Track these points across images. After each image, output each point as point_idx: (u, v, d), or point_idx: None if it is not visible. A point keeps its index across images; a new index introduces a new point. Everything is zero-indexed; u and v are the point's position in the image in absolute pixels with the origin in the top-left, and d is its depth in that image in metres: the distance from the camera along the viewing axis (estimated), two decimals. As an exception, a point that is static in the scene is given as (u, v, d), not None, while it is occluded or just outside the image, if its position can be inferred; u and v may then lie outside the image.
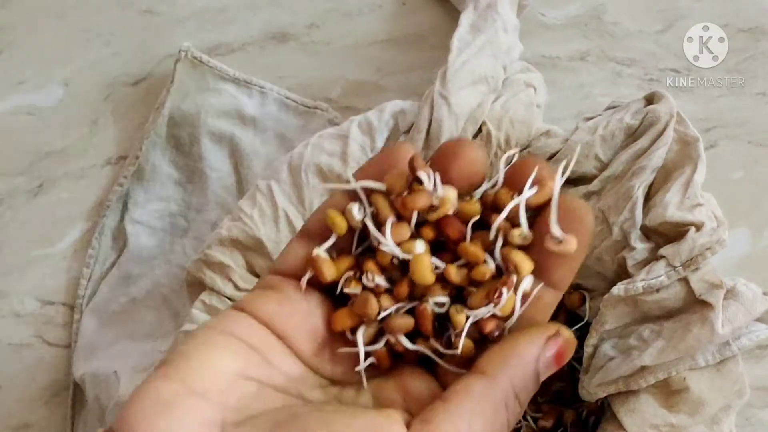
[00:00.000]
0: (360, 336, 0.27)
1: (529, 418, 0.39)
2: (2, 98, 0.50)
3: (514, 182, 0.27)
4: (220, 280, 0.39)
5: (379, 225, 0.27)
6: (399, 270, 0.27)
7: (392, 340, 0.27)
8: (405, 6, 0.50)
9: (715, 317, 0.31)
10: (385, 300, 0.27)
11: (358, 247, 0.28)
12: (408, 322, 0.27)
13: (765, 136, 0.47)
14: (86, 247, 0.48)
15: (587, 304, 0.36)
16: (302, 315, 0.27)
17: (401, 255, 0.26)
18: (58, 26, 0.51)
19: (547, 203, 0.26)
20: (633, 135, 0.36)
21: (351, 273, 0.27)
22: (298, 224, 0.39)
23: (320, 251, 0.27)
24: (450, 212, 0.27)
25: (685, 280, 0.32)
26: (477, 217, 0.27)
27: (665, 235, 0.34)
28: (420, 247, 0.27)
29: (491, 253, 0.27)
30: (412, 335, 0.27)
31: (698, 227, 0.33)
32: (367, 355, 0.27)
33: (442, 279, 0.27)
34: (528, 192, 0.26)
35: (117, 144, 0.50)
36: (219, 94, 0.47)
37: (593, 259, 0.35)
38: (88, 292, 0.47)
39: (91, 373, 0.43)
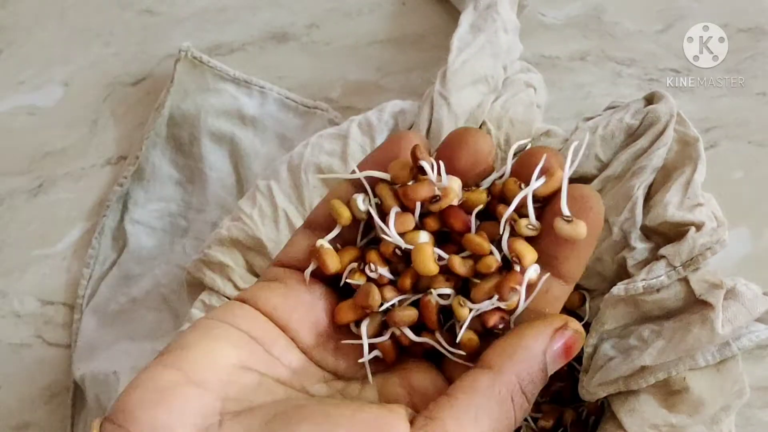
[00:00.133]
0: (364, 328, 0.26)
1: (529, 418, 0.39)
2: (2, 98, 0.50)
3: (522, 172, 0.26)
4: (220, 280, 0.39)
5: (384, 215, 0.27)
6: (403, 262, 0.27)
7: (397, 332, 0.27)
8: (405, 6, 0.50)
9: (715, 317, 0.31)
10: (389, 292, 0.26)
11: (363, 238, 0.28)
12: (412, 314, 0.26)
13: (765, 136, 0.47)
14: (86, 247, 0.48)
15: (587, 304, 0.36)
16: (305, 307, 0.27)
17: (404, 245, 0.26)
18: (58, 26, 0.51)
19: (555, 193, 0.26)
20: (633, 135, 0.36)
21: (355, 264, 0.27)
22: (298, 224, 0.39)
23: (324, 242, 0.27)
24: (454, 203, 0.26)
25: (685, 280, 0.32)
26: (482, 207, 0.26)
27: (665, 235, 0.34)
28: (424, 237, 0.26)
29: (498, 244, 0.26)
30: (417, 328, 0.27)
31: (698, 227, 0.33)
32: (372, 347, 0.27)
33: (446, 271, 0.26)
34: (536, 182, 0.26)
35: (117, 144, 0.50)
36: (219, 94, 0.47)
37: (593, 259, 0.35)
38: (88, 292, 0.47)
39: (91, 373, 0.43)
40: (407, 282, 0.26)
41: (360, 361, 0.26)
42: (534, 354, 0.25)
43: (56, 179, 0.49)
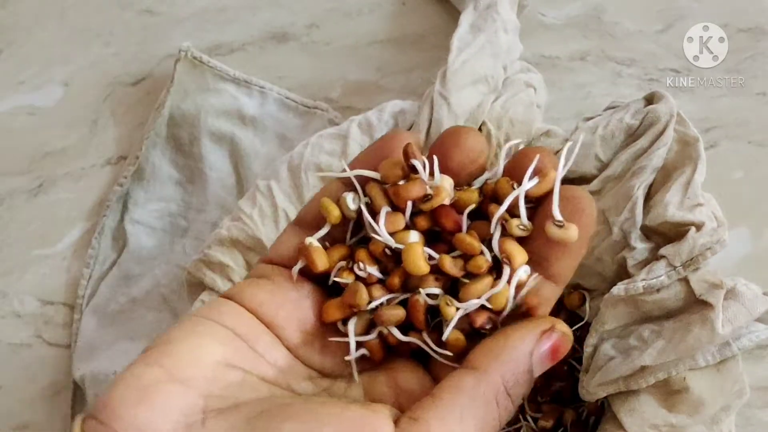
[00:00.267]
0: (351, 327, 0.26)
1: (529, 418, 0.39)
2: (2, 98, 0.50)
3: (515, 172, 0.26)
4: (220, 280, 0.39)
5: (374, 215, 0.26)
6: (393, 261, 0.27)
7: (385, 331, 0.26)
8: (405, 6, 0.50)
9: (715, 317, 0.31)
10: (377, 290, 0.26)
11: (353, 237, 0.28)
12: (399, 313, 0.26)
13: (765, 136, 0.47)
14: (86, 247, 0.48)
15: (587, 304, 0.36)
16: (292, 304, 0.27)
17: (393, 244, 0.26)
18: (58, 26, 0.51)
19: (548, 194, 0.25)
20: (633, 135, 0.36)
21: (343, 263, 0.27)
22: (298, 224, 0.39)
23: (313, 240, 0.27)
24: (446, 202, 0.26)
25: (686, 280, 0.32)
26: (473, 206, 0.26)
27: (665, 235, 0.34)
28: (414, 237, 0.26)
29: (488, 244, 0.26)
30: (405, 328, 0.27)
31: (698, 227, 0.33)
32: (359, 346, 0.27)
33: (436, 271, 0.26)
34: (529, 182, 0.25)
35: (117, 144, 0.50)
36: (219, 94, 0.47)
37: (593, 259, 0.35)
38: (88, 292, 0.47)
39: (91, 373, 0.43)
40: (396, 281, 0.26)
41: (346, 358, 0.26)
42: (520, 355, 0.24)
43: (56, 179, 0.49)
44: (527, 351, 0.25)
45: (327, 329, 0.27)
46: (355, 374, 0.26)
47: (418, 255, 0.25)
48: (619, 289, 0.33)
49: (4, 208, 0.49)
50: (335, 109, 0.48)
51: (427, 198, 0.26)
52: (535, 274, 0.26)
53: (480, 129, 0.38)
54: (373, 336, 0.27)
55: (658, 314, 0.34)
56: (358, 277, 0.27)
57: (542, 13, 0.49)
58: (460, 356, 0.26)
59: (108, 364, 0.43)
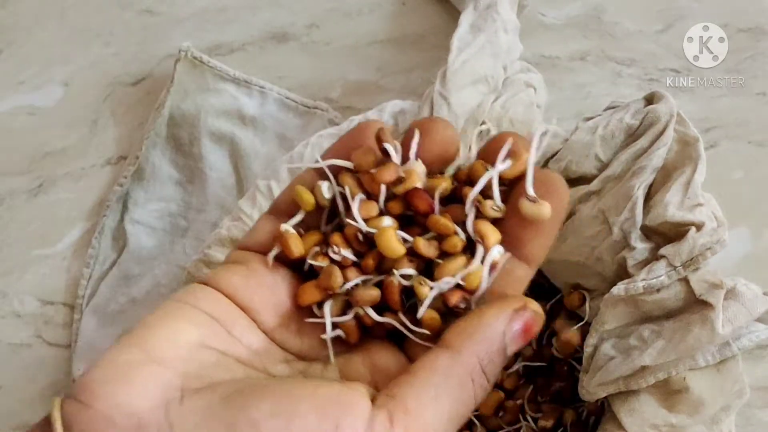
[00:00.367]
0: (327, 308, 0.27)
1: (529, 418, 0.39)
2: (2, 98, 0.50)
3: (488, 157, 0.27)
4: (220, 280, 0.39)
5: (347, 203, 0.27)
6: (367, 245, 0.27)
7: (361, 312, 0.27)
8: (405, 6, 0.50)
9: (715, 317, 0.31)
10: (352, 273, 0.27)
11: (327, 225, 0.28)
12: (373, 293, 0.27)
13: (765, 136, 0.47)
14: (86, 247, 0.48)
15: (587, 304, 0.36)
16: (268, 289, 0.27)
17: (365, 228, 0.26)
18: (58, 26, 0.51)
19: (521, 177, 0.26)
20: (633, 135, 0.36)
21: (318, 248, 0.27)
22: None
23: (288, 227, 0.27)
24: (418, 185, 0.26)
25: (686, 280, 0.32)
26: (445, 187, 0.27)
27: (665, 235, 0.34)
28: (387, 222, 0.27)
29: (463, 226, 0.26)
30: (381, 309, 0.27)
31: (699, 227, 0.33)
32: (335, 327, 0.27)
33: (410, 254, 0.26)
34: (502, 164, 0.26)
35: (117, 144, 0.50)
36: (219, 94, 0.47)
37: (593, 259, 0.35)
38: (88, 292, 0.47)
39: (91, 373, 0.43)
40: (370, 263, 0.27)
41: (323, 337, 0.27)
42: (494, 334, 0.25)
43: (56, 179, 0.49)
44: (501, 330, 0.25)
45: (302, 313, 0.28)
46: (331, 356, 0.27)
47: (392, 237, 0.26)
48: (619, 289, 0.33)
49: (4, 208, 0.49)
50: (335, 109, 0.48)
51: (399, 181, 0.26)
52: (508, 254, 0.26)
53: (484, 125, 0.38)
54: (349, 317, 0.27)
55: (658, 314, 0.34)
56: (333, 261, 0.27)
57: (542, 13, 0.49)
58: (435, 336, 0.26)
59: (108, 364, 0.43)
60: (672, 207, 0.33)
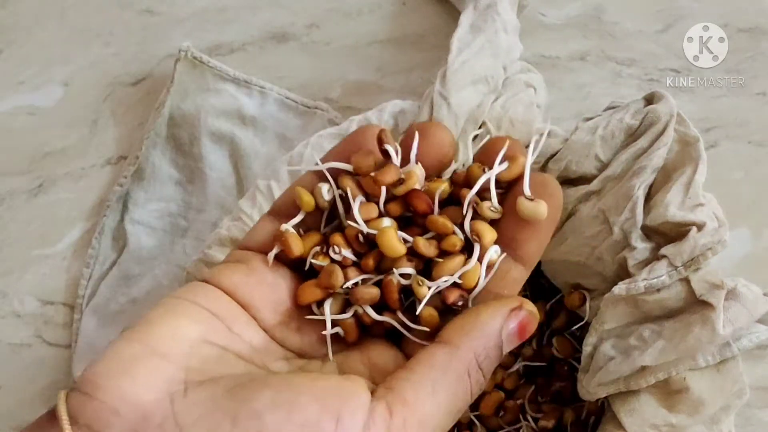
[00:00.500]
0: (327, 306, 0.27)
1: (529, 418, 0.39)
2: (2, 98, 0.50)
3: (485, 161, 0.28)
4: (220, 280, 0.39)
5: (347, 205, 0.28)
6: (367, 246, 0.28)
7: (360, 311, 0.27)
8: (405, 6, 0.50)
9: (716, 318, 0.31)
10: (352, 272, 0.27)
11: (326, 226, 0.29)
12: (373, 292, 0.27)
13: (765, 136, 0.47)
14: (86, 247, 0.48)
15: (587, 304, 0.36)
16: (268, 287, 0.28)
17: (366, 229, 0.27)
18: (58, 26, 0.51)
19: (517, 179, 0.27)
20: (633, 135, 0.36)
21: (318, 248, 0.28)
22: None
23: (288, 227, 0.28)
24: (417, 186, 0.27)
25: (686, 280, 0.32)
26: (444, 188, 0.27)
27: (666, 235, 0.34)
28: (386, 223, 0.27)
29: (461, 228, 0.27)
30: (380, 309, 0.28)
31: (700, 227, 0.33)
32: (334, 325, 0.27)
33: (410, 253, 0.27)
34: (499, 166, 0.27)
35: (117, 144, 0.50)
36: (219, 94, 0.47)
37: (593, 259, 0.35)
38: (88, 292, 0.47)
39: (91, 373, 0.43)
40: (370, 262, 0.27)
41: (323, 333, 0.27)
42: (490, 331, 0.26)
43: (56, 179, 0.49)
44: (497, 327, 0.26)
45: (302, 311, 0.28)
46: (330, 352, 0.27)
47: (393, 237, 0.27)
48: (620, 288, 0.33)
49: (4, 208, 0.49)
50: (335, 109, 0.48)
51: (400, 183, 0.27)
52: (504, 255, 0.27)
53: (480, 129, 0.38)
54: (348, 315, 0.28)
55: (658, 314, 0.34)
56: (333, 261, 0.28)
57: (542, 13, 0.49)
58: (432, 335, 0.27)
59: (108, 364, 0.43)
60: (673, 207, 0.33)
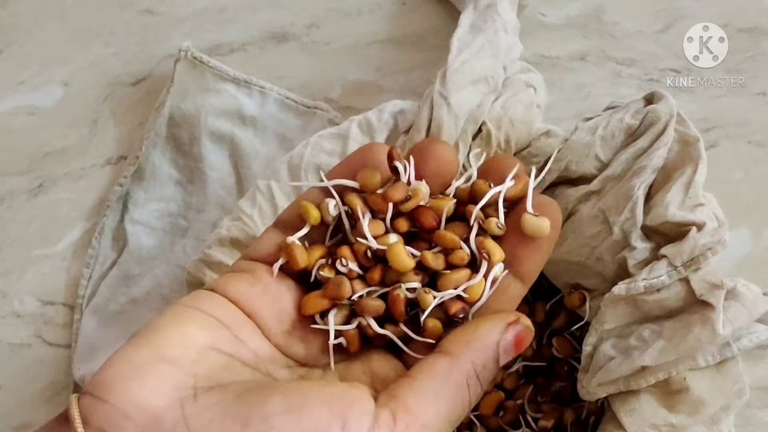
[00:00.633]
0: (331, 317, 0.28)
1: (529, 417, 0.39)
2: (2, 98, 0.50)
3: (488, 177, 0.29)
4: (220, 280, 0.39)
5: (353, 221, 0.29)
6: (373, 261, 0.28)
7: (363, 323, 0.28)
8: (405, 6, 0.50)
9: (716, 318, 0.31)
10: (358, 285, 0.28)
11: (330, 240, 0.30)
12: (379, 304, 0.28)
13: (765, 136, 0.47)
14: (86, 247, 0.48)
15: (587, 304, 0.36)
16: (272, 297, 0.28)
17: (375, 245, 0.28)
18: (58, 26, 0.51)
19: (520, 198, 0.28)
20: (633, 135, 0.36)
21: (323, 261, 0.29)
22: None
23: (294, 239, 0.28)
24: (422, 203, 0.28)
25: (686, 280, 0.32)
26: (450, 208, 0.28)
27: (666, 235, 0.34)
28: (393, 239, 0.28)
29: (466, 243, 0.28)
30: (381, 321, 0.28)
31: (699, 227, 0.33)
32: (338, 335, 0.28)
33: (415, 267, 0.28)
34: (508, 182, 0.28)
35: (117, 144, 0.50)
36: (219, 94, 0.47)
37: (593, 259, 0.35)
38: (88, 292, 0.47)
39: (91, 373, 0.43)
40: (375, 276, 0.28)
41: (326, 342, 0.28)
42: (489, 343, 0.27)
43: (56, 179, 0.49)
44: (495, 339, 0.27)
45: (305, 321, 0.29)
46: (332, 361, 0.28)
47: (402, 251, 0.28)
48: (620, 288, 0.33)
49: (4, 208, 0.49)
50: (335, 109, 0.48)
51: (406, 200, 0.28)
52: (506, 271, 0.28)
53: (480, 129, 0.38)
54: (352, 327, 0.28)
55: (658, 314, 0.34)
56: (338, 272, 0.28)
57: (542, 13, 0.49)
58: (431, 347, 0.28)
59: (108, 364, 0.43)
60: (673, 207, 0.33)
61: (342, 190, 0.29)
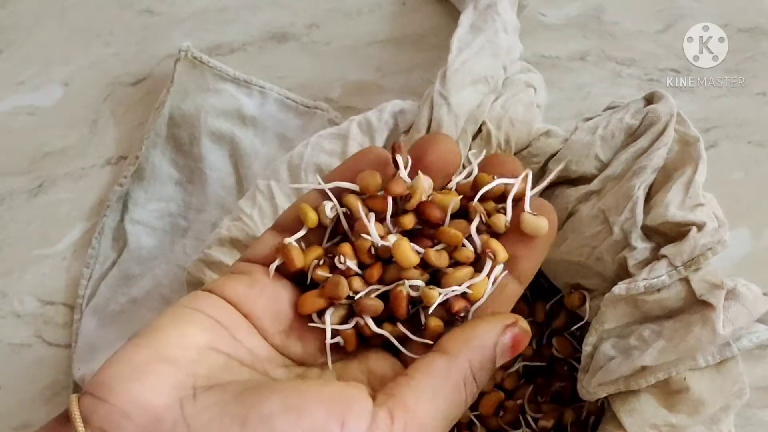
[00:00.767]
0: (328, 316, 0.28)
1: (529, 418, 0.39)
2: (2, 98, 0.50)
3: (488, 173, 0.29)
4: (220, 280, 0.39)
5: (352, 223, 0.29)
6: (373, 258, 0.29)
7: (361, 322, 0.28)
8: (405, 6, 0.50)
9: (716, 318, 0.31)
10: (356, 283, 0.28)
11: (328, 243, 0.30)
12: (378, 304, 0.28)
13: (765, 136, 0.47)
14: (86, 247, 0.48)
15: (587, 304, 0.36)
16: (269, 297, 0.28)
17: (380, 242, 0.28)
18: (58, 26, 0.51)
19: (518, 199, 0.29)
20: (633, 135, 0.36)
21: (317, 261, 0.29)
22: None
23: (291, 240, 0.29)
24: (423, 198, 0.28)
25: (686, 280, 0.32)
26: (456, 202, 0.29)
27: (666, 235, 0.34)
28: (393, 239, 0.28)
29: (469, 240, 0.29)
30: (379, 321, 0.29)
31: (700, 227, 0.33)
32: (335, 334, 0.28)
33: (417, 265, 0.28)
34: (517, 181, 0.29)
35: (117, 144, 0.50)
36: (219, 94, 0.47)
37: (593, 259, 0.35)
38: (88, 292, 0.47)
39: (91, 373, 0.43)
40: (374, 274, 0.28)
41: (323, 342, 0.28)
42: (486, 344, 0.27)
43: (56, 179, 0.49)
44: (493, 341, 0.27)
45: (302, 321, 0.29)
46: (329, 360, 0.28)
47: (408, 248, 0.28)
48: (620, 288, 0.33)
49: (4, 208, 0.49)
50: (335, 109, 0.48)
51: (407, 197, 0.28)
52: (505, 272, 0.28)
53: (480, 129, 0.38)
54: (350, 326, 0.28)
55: (658, 314, 0.34)
56: (336, 270, 0.29)
57: (542, 13, 0.49)
58: (430, 347, 0.28)
59: (108, 364, 0.43)
60: (673, 207, 0.33)
61: (340, 192, 0.29)
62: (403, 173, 0.28)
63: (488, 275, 0.28)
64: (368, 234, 0.28)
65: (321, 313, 0.29)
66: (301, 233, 0.29)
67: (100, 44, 0.51)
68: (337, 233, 0.30)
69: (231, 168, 0.47)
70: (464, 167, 0.31)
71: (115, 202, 0.48)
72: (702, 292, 0.32)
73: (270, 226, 0.30)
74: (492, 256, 0.28)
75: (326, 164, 0.39)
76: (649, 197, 0.35)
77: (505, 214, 0.29)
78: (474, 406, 0.40)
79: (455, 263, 0.28)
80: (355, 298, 0.28)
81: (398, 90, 0.49)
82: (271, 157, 0.47)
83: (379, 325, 0.28)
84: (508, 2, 0.42)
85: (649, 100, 0.37)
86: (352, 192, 0.29)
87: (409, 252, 0.28)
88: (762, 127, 0.47)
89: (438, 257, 0.28)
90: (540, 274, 0.39)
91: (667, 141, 0.35)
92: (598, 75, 0.48)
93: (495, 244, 0.28)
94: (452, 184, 0.30)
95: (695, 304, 0.32)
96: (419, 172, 0.29)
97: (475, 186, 0.29)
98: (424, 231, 0.29)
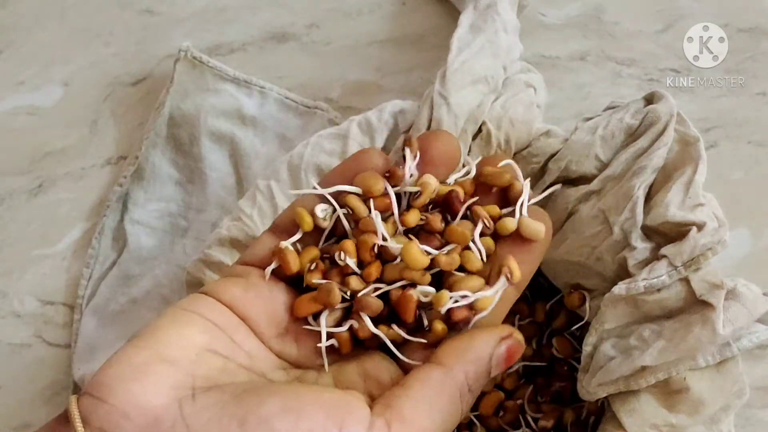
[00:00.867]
0: (323, 319, 0.28)
1: (529, 418, 0.39)
2: (2, 98, 0.50)
3: (484, 175, 0.30)
4: (220, 280, 0.39)
5: (352, 222, 0.29)
6: (375, 257, 0.29)
7: (356, 325, 0.28)
8: (405, 6, 0.50)
9: (716, 318, 0.31)
10: (354, 281, 0.28)
11: (324, 245, 0.30)
12: (379, 303, 0.28)
13: (765, 136, 0.47)
14: (86, 247, 0.48)
15: (587, 304, 0.36)
16: (265, 300, 0.29)
17: (389, 239, 0.28)
18: (58, 26, 0.51)
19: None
20: (633, 135, 0.36)
21: (314, 264, 0.29)
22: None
23: (286, 244, 0.29)
24: (433, 195, 0.29)
25: (686, 280, 0.32)
26: (476, 197, 0.29)
27: (666, 235, 0.34)
28: (400, 239, 0.28)
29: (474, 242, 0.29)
30: (376, 322, 0.29)
31: (700, 227, 0.33)
32: (329, 336, 0.28)
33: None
34: (527, 185, 0.29)
35: (117, 144, 0.50)
36: (219, 94, 0.47)
37: (593, 259, 0.35)
38: (88, 292, 0.47)
39: (91, 373, 0.43)
40: (373, 273, 0.28)
41: (318, 345, 0.28)
42: (482, 356, 0.27)
43: (56, 179, 0.49)
44: (488, 352, 0.27)
45: (298, 323, 0.29)
46: (326, 363, 0.28)
47: (417, 249, 0.28)
48: (620, 288, 0.33)
49: (4, 208, 0.49)
50: (335, 109, 0.48)
51: (417, 195, 0.28)
52: (507, 283, 0.29)
53: (480, 129, 0.38)
54: (344, 329, 0.28)
55: (658, 314, 0.34)
56: (335, 267, 0.29)
57: (542, 13, 0.49)
58: (427, 348, 0.28)
59: (108, 364, 0.43)
60: (673, 207, 0.33)
61: (339, 193, 0.29)
62: (412, 166, 0.28)
63: (498, 291, 0.28)
64: (374, 232, 0.28)
65: (317, 316, 0.29)
66: (297, 236, 0.29)
67: (100, 44, 0.51)
68: (335, 235, 0.30)
69: (231, 168, 0.47)
70: (464, 166, 0.31)
71: (115, 202, 0.48)
72: (702, 292, 0.32)
73: (267, 229, 0.31)
74: (509, 276, 0.28)
75: (326, 164, 0.39)
76: (649, 197, 0.35)
77: (513, 216, 0.29)
78: (474, 406, 0.40)
79: (461, 267, 0.28)
80: (357, 296, 0.28)
81: (398, 90, 0.49)
82: (271, 157, 0.47)
83: (375, 326, 0.28)
84: (508, 2, 0.42)
85: (649, 100, 0.37)
86: (353, 194, 0.29)
87: (418, 253, 0.28)
88: (762, 127, 0.47)
89: (448, 261, 0.28)
90: (540, 274, 0.39)
91: (667, 141, 0.35)
92: (598, 75, 0.48)
93: (512, 262, 0.28)
94: (450, 181, 0.30)
95: (695, 304, 0.32)
96: (420, 169, 0.29)
97: (510, 194, 0.29)
98: (426, 227, 0.29)
